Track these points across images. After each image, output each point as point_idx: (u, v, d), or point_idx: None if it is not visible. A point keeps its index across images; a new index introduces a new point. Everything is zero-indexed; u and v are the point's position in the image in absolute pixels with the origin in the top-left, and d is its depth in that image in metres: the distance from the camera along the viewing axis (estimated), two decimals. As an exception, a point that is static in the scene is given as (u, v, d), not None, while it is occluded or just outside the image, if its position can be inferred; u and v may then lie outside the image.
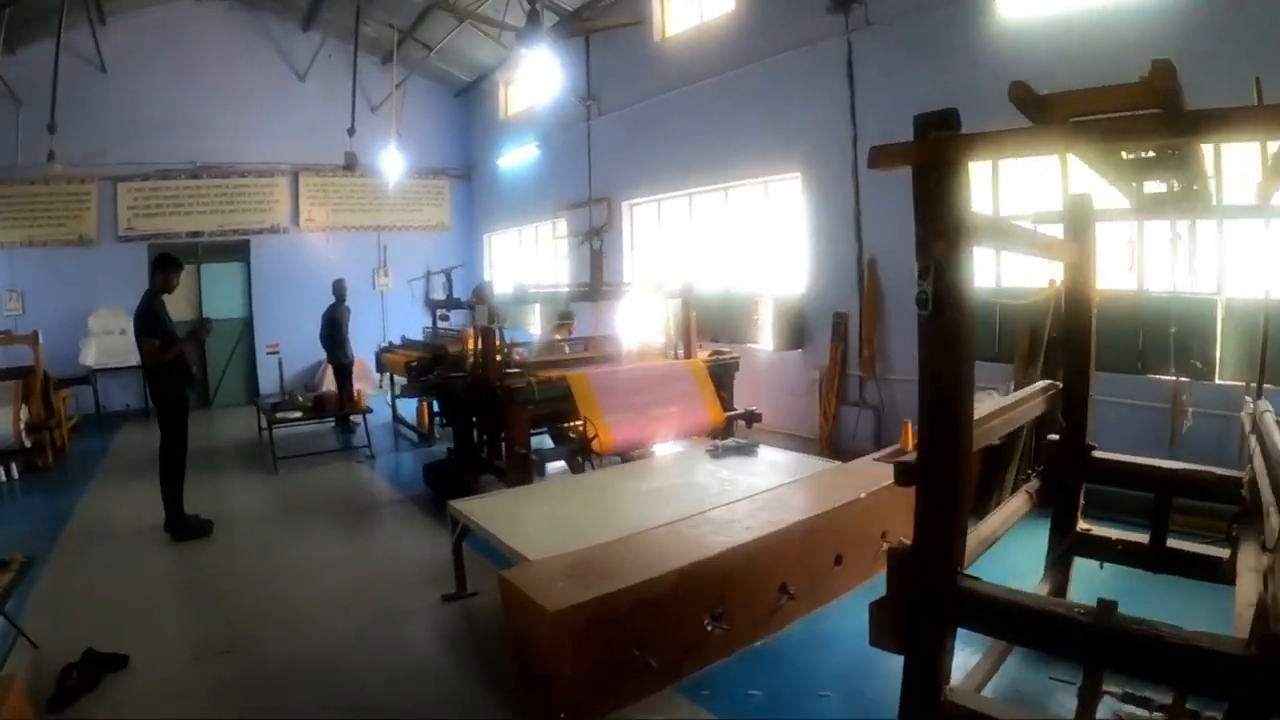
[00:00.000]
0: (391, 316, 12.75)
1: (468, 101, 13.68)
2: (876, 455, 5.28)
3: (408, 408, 8.99)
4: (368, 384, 10.63)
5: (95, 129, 10.47)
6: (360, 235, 12.65)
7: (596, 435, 5.26)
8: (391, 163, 11.17)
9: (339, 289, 9.10)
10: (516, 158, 12.09)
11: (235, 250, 11.56)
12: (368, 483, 6.97)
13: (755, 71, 7.80)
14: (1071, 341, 3.50)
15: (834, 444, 7.17)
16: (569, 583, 2.99)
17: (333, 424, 8.76)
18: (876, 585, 2.36)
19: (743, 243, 8.48)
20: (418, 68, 12.20)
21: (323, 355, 11.33)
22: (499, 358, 5.69)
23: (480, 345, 5.74)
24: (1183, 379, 5.21)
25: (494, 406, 5.34)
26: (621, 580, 3.01)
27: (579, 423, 5.30)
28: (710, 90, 8.38)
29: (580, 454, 5.31)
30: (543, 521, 4.00)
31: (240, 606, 4.20)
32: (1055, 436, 3.42)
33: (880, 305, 6.90)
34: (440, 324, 9.42)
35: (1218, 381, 5.21)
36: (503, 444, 5.36)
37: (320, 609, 4.12)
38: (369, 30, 11.26)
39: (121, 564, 4.87)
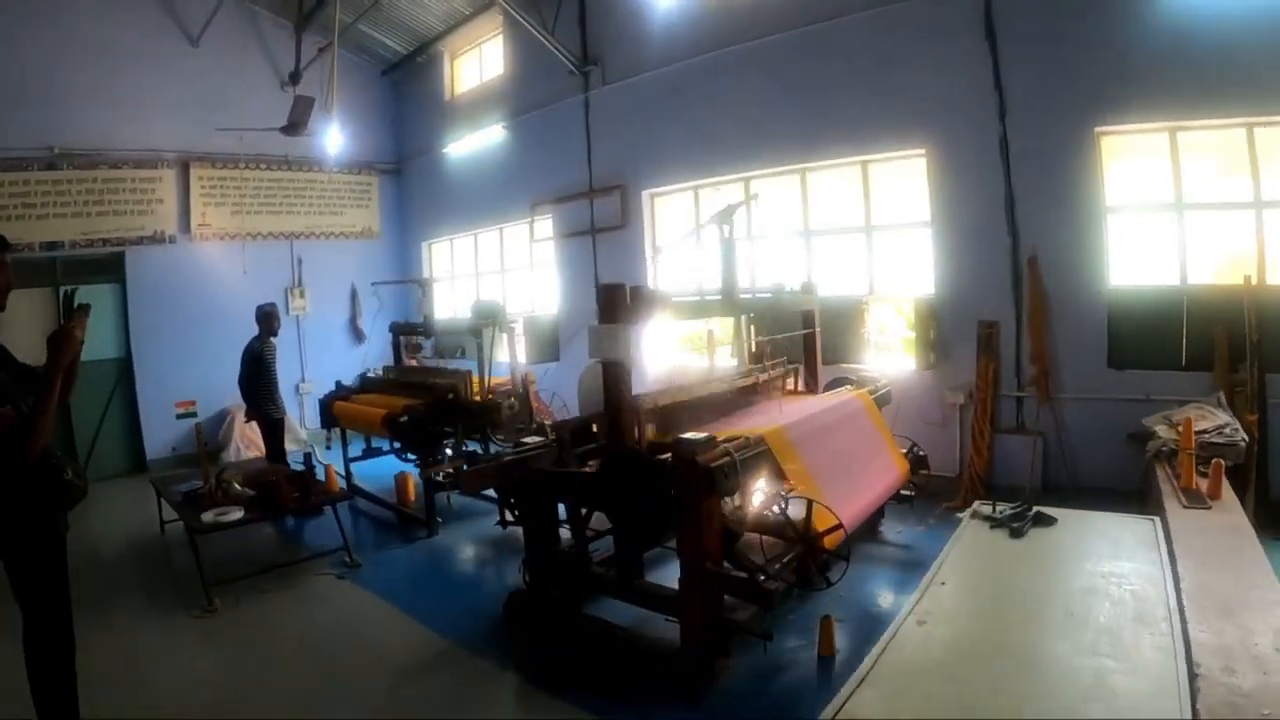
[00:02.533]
0: (313, 349, 10.06)
1: (399, 80, 11.16)
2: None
3: (371, 472, 6.63)
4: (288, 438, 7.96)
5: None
6: (269, 245, 9.80)
7: (831, 526, 3.42)
8: (332, 143, 8.62)
9: (267, 319, 6.40)
10: (471, 145, 9.84)
11: (106, 266, 8.37)
12: (378, 622, 4.18)
13: (852, 24, 6.28)
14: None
15: (987, 482, 5.77)
16: None
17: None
18: None
19: (833, 238, 6.90)
20: (339, 35, 9.62)
21: (224, 403, 8.75)
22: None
23: (611, 396, 3.65)
24: None
25: (653, 496, 3.34)
26: None
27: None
28: (780, 48, 6.76)
29: (809, 563, 3.41)
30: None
31: None
32: None
33: (1044, 310, 5.60)
34: (409, 357, 7.18)
35: None
36: (685, 561, 3.32)
37: None
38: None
39: None
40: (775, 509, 3.41)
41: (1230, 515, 3.81)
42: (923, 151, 6.07)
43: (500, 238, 9.86)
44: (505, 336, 6.21)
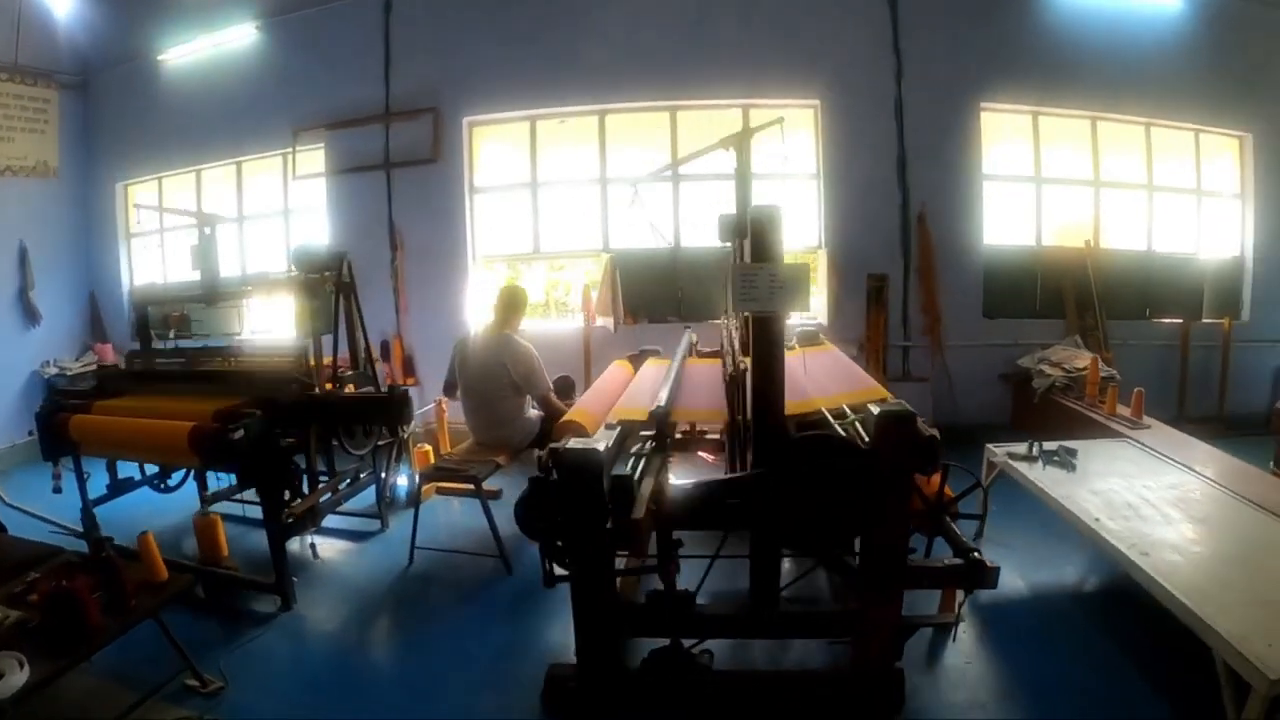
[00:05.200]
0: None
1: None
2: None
3: (125, 518, 4.11)
4: None
5: None
6: None
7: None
8: None
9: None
10: (201, 51, 6.97)
11: None
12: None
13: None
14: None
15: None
16: None
17: None
18: None
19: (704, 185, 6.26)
20: None
21: None
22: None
23: (766, 366, 2.46)
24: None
25: (848, 489, 2.39)
26: None
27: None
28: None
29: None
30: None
31: None
32: None
33: (933, 264, 5.87)
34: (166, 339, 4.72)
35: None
36: (875, 559, 2.42)
37: None
38: None
39: None
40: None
41: (1167, 430, 4.36)
42: (816, 103, 5.88)
43: (238, 174, 7.14)
44: (344, 296, 4.31)
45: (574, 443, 2.42)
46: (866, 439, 2.45)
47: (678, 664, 2.44)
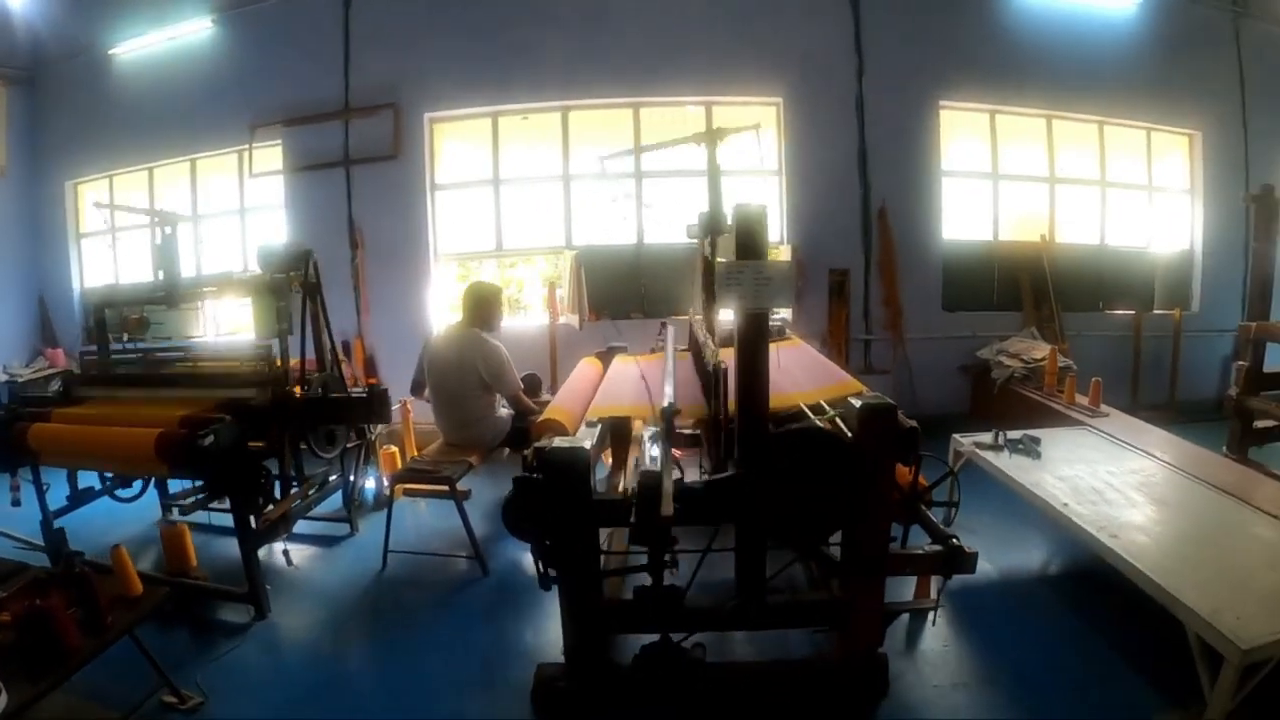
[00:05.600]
0: None
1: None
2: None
3: (86, 529, 3.94)
4: None
5: None
6: None
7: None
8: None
9: None
10: (155, 45, 6.72)
11: None
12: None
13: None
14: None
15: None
16: None
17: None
18: None
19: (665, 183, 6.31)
20: None
21: None
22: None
23: (751, 361, 2.55)
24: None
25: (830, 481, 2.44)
26: None
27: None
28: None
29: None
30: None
31: None
32: None
33: (894, 259, 5.99)
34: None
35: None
36: (858, 550, 2.47)
37: None
38: None
39: None
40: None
41: (1125, 417, 4.52)
42: (778, 100, 5.94)
43: (192, 172, 6.91)
44: (309, 297, 4.20)
45: (559, 441, 2.41)
46: (849, 433, 2.49)
47: (671, 658, 2.45)
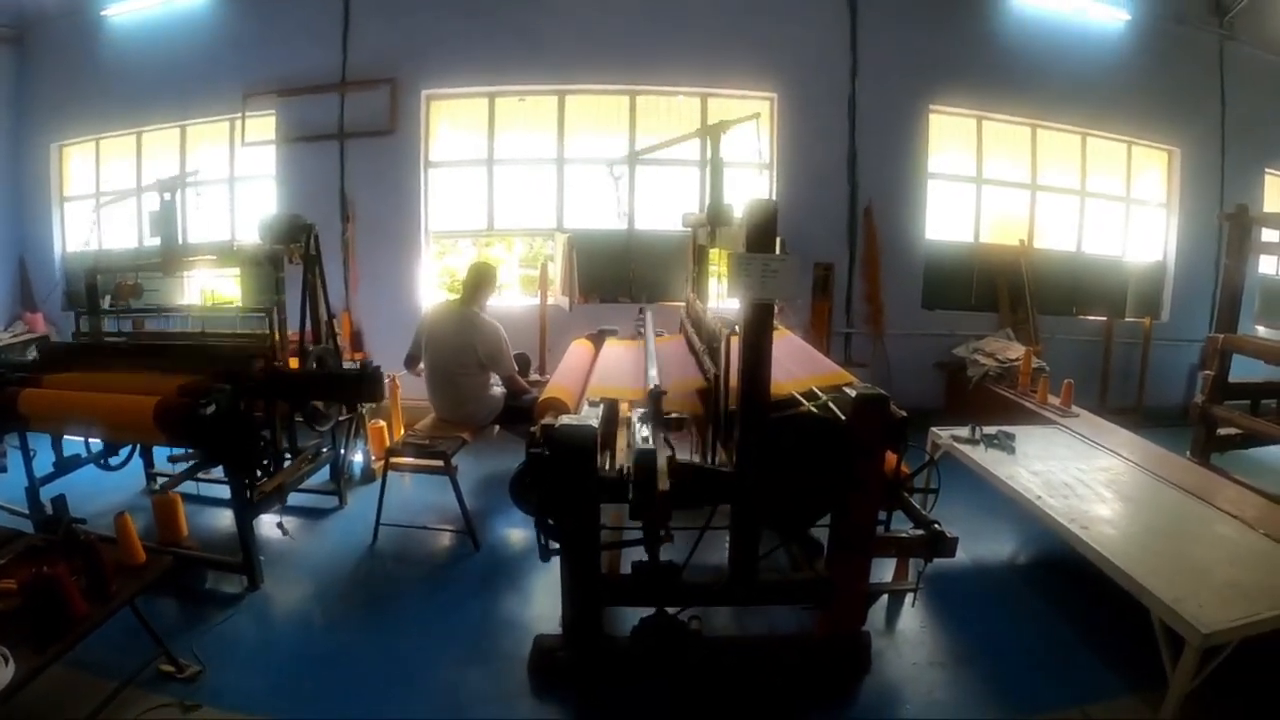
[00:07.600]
0: None
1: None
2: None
3: (73, 496, 3.92)
4: None
5: None
6: None
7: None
8: None
9: None
10: (149, 5, 6.57)
11: None
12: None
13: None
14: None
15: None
16: None
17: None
18: None
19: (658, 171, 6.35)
20: None
21: None
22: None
23: (755, 350, 2.63)
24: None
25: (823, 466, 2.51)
26: None
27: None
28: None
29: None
30: None
31: None
32: None
33: (878, 256, 6.14)
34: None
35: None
36: (847, 532, 2.61)
37: None
38: None
39: None
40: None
41: (1095, 418, 4.71)
42: (773, 96, 6.03)
43: (182, 139, 6.79)
44: (308, 269, 4.20)
45: (566, 419, 2.48)
46: (843, 419, 2.59)
47: (669, 631, 2.54)
